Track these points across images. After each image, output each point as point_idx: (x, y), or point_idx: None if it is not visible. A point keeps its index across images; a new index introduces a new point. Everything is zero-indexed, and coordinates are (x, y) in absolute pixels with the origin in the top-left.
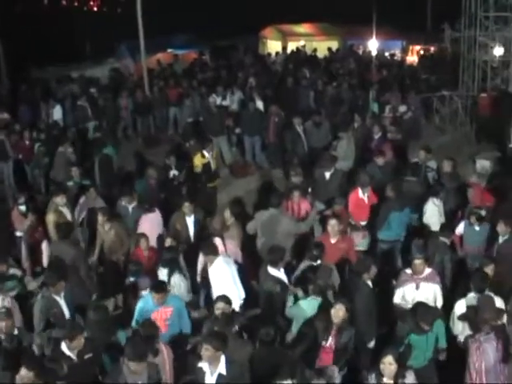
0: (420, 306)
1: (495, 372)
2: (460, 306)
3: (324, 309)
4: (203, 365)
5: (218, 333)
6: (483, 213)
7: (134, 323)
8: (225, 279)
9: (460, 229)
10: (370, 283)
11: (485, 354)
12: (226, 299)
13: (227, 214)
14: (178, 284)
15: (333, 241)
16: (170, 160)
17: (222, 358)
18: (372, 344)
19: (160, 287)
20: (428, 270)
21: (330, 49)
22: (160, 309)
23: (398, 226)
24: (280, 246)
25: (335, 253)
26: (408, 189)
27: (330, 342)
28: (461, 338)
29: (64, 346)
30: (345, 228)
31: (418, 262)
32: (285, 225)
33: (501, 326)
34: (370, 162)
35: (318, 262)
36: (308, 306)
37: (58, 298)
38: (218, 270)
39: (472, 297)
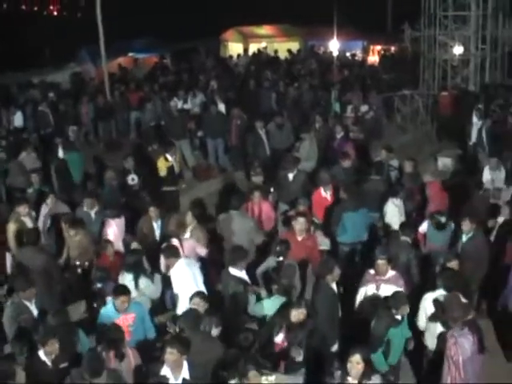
0: (389, 298)
1: (472, 364)
2: (427, 301)
3: (286, 307)
4: (165, 371)
5: (181, 337)
6: (443, 219)
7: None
8: (186, 281)
9: (424, 227)
10: (334, 286)
11: (462, 349)
12: (202, 295)
13: (189, 216)
14: (147, 286)
15: (299, 238)
16: (129, 164)
17: (185, 362)
18: (335, 347)
19: (122, 291)
20: (392, 273)
21: (289, 50)
22: (122, 316)
23: (353, 228)
24: (240, 246)
25: (301, 251)
26: (372, 188)
27: (281, 339)
28: (427, 335)
29: (41, 352)
30: (309, 227)
31: (380, 262)
32: (242, 224)
33: (473, 320)
34: (332, 161)
35: (281, 258)
36: (272, 305)
37: (28, 304)
38: (179, 272)
39: (440, 293)
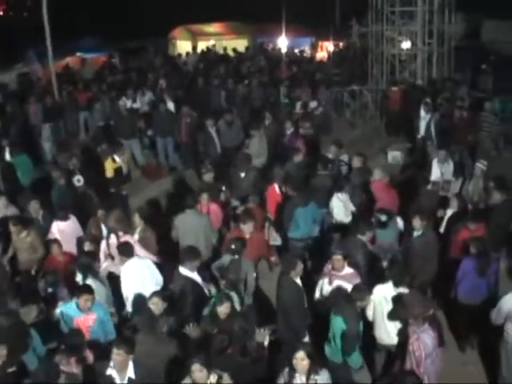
0: (352, 291)
1: (432, 357)
2: (377, 293)
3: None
4: (111, 371)
5: (127, 337)
6: (383, 218)
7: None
8: (135, 281)
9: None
10: (298, 280)
11: (424, 344)
12: (161, 294)
13: (136, 218)
14: (95, 290)
15: (247, 235)
16: (74, 164)
17: (131, 362)
18: (307, 340)
19: (85, 289)
20: (349, 270)
21: (234, 49)
22: (83, 315)
23: (305, 223)
24: (192, 247)
25: (251, 246)
26: (320, 183)
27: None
28: (380, 331)
29: None
30: (262, 223)
31: (336, 258)
32: (198, 222)
33: (432, 316)
34: (283, 157)
35: (236, 256)
36: None
37: None
38: (129, 271)
39: (390, 286)
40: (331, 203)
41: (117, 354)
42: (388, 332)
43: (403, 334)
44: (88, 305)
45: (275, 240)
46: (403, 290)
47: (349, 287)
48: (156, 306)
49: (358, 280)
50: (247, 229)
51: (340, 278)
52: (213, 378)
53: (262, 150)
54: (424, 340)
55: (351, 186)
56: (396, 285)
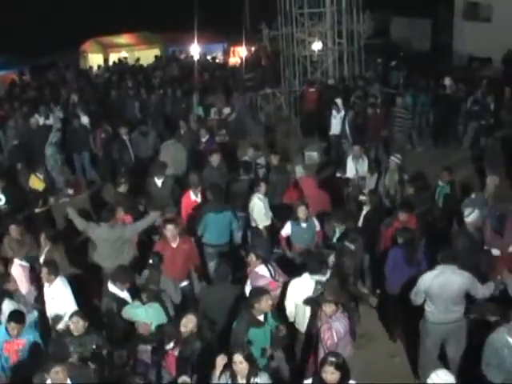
0: (249, 296)
1: (345, 342)
2: (292, 287)
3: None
4: None
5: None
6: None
7: None
8: (65, 300)
9: (287, 229)
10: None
11: (336, 333)
12: (80, 314)
13: (42, 238)
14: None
15: (174, 245)
16: None
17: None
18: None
19: (14, 318)
20: (260, 270)
21: (138, 59)
22: (13, 340)
23: (217, 229)
24: (125, 267)
25: (179, 256)
26: (239, 188)
27: (173, 348)
28: (299, 320)
29: None
30: (182, 231)
31: (253, 258)
32: (113, 236)
33: (346, 305)
34: (200, 165)
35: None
36: (146, 313)
37: None
38: (59, 290)
39: (306, 277)
40: (251, 205)
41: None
42: None
43: (313, 323)
44: (14, 332)
45: None
46: (320, 277)
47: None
48: (76, 325)
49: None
50: (170, 234)
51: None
52: None
53: (179, 158)
54: (337, 329)
55: (272, 185)
56: (312, 273)
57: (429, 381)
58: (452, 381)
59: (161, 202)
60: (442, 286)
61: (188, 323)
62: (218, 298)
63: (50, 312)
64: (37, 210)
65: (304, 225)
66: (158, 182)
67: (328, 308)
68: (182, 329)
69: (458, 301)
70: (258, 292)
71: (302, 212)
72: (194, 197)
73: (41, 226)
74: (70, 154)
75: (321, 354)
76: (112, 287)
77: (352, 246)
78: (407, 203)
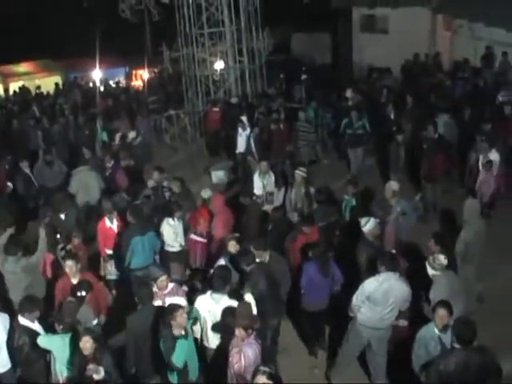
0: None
1: (250, 371)
2: (197, 304)
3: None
4: None
5: None
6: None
7: None
8: None
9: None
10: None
11: (246, 357)
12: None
13: None
14: None
15: (75, 281)
16: None
17: None
18: None
19: None
20: (171, 285)
21: (38, 87)
22: None
23: (143, 251)
24: (32, 296)
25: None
26: (147, 212)
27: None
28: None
29: None
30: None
31: (160, 279)
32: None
33: (257, 329)
34: (108, 191)
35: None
36: (60, 342)
37: None
38: None
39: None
40: (161, 229)
41: None
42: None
43: (223, 346)
44: None
45: (110, 274)
46: (232, 301)
47: (179, 300)
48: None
49: (181, 292)
50: (69, 270)
51: (168, 295)
52: None
53: (87, 187)
54: (246, 353)
55: (183, 210)
56: (215, 291)
57: None
58: None
59: (66, 232)
60: (386, 292)
61: (86, 344)
62: (143, 322)
63: None
64: None
65: None
66: (61, 214)
67: (241, 332)
68: (84, 352)
69: (394, 308)
70: (172, 309)
71: (232, 247)
72: (109, 223)
73: None
74: None
75: (228, 376)
76: (22, 319)
77: (247, 269)
78: (309, 216)
